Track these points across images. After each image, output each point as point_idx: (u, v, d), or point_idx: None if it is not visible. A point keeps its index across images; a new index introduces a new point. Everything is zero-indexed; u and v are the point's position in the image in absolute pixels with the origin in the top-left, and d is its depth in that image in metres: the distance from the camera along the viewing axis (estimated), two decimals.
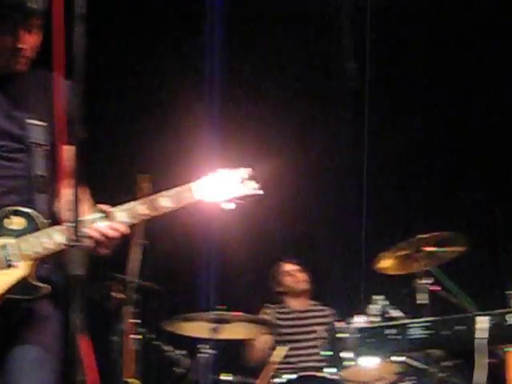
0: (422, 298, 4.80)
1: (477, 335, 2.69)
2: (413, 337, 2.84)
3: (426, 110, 6.64)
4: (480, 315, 2.73)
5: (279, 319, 5.97)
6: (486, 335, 2.66)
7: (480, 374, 2.73)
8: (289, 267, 6.12)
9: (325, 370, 4.85)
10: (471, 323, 2.73)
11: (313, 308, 6.11)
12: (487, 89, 6.47)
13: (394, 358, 4.65)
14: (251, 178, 3.19)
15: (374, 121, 6.45)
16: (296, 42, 6.71)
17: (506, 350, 4.57)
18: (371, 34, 5.30)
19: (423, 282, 4.82)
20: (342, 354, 4.75)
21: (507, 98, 6.40)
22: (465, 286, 5.38)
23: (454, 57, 6.52)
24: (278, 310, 6.03)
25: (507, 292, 4.95)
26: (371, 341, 2.94)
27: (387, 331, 2.91)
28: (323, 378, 4.83)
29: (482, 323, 2.68)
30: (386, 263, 5.00)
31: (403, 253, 4.92)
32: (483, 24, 6.37)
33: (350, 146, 6.60)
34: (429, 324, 2.82)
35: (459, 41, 6.48)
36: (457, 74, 6.51)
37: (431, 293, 4.85)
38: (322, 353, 4.98)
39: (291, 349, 5.75)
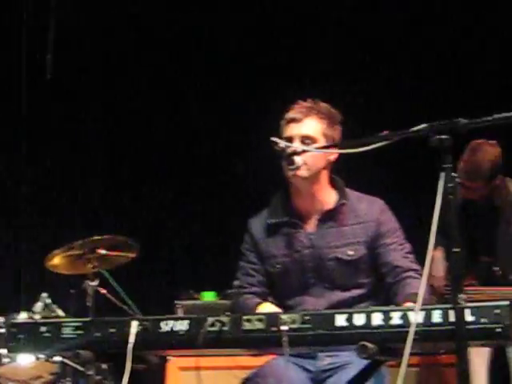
0: (90, 299, 4.82)
1: (130, 339, 2.71)
2: (65, 336, 2.80)
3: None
4: (134, 319, 2.75)
5: None
6: (133, 340, 2.69)
7: (127, 379, 2.75)
8: None
9: None
10: (125, 327, 2.74)
11: None
12: None
13: (51, 358, 4.62)
14: None
15: None
16: None
17: (168, 358, 4.70)
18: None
19: (92, 283, 4.83)
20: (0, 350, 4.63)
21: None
22: (135, 291, 5.46)
23: None
24: None
25: (176, 301, 5.11)
26: (25, 337, 2.85)
27: (42, 329, 2.83)
28: None
29: (133, 328, 2.71)
30: (58, 261, 4.93)
31: (76, 253, 4.87)
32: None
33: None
34: (81, 324, 2.80)
35: None
36: None
37: (99, 294, 4.88)
38: None
39: None
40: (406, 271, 3.25)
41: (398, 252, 3.30)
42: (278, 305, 3.29)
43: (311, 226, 3.36)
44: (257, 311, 3.19)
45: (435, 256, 4.45)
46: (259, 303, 3.28)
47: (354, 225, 3.33)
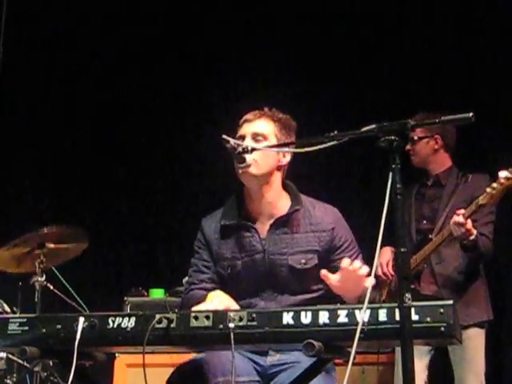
0: (37, 295, 4.78)
1: (76, 336, 2.69)
2: (12, 332, 2.77)
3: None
4: (81, 316, 2.74)
5: None
6: (80, 336, 2.67)
7: (73, 375, 2.73)
8: None
9: None
10: (72, 323, 2.73)
11: None
12: None
13: None
14: None
15: None
16: None
17: (116, 355, 4.68)
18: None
19: (40, 278, 4.79)
20: None
21: None
22: (84, 287, 5.42)
23: None
24: None
25: (125, 298, 5.10)
26: None
27: None
28: None
29: (80, 324, 2.69)
30: (2, 260, 4.86)
31: (22, 250, 4.80)
32: None
33: None
34: (27, 320, 2.77)
35: None
36: None
37: (47, 290, 4.85)
38: None
39: None
40: None
41: None
42: None
43: (264, 230, 3.35)
44: (206, 299, 3.16)
45: (385, 250, 4.54)
46: (208, 293, 3.25)
47: (308, 232, 3.32)
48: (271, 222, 3.34)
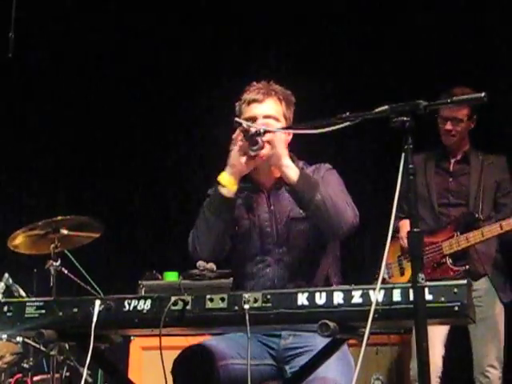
0: (52, 279, 4.82)
1: (93, 319, 2.72)
2: (29, 316, 2.80)
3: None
4: (97, 299, 2.76)
5: None
6: (96, 319, 2.69)
7: (89, 358, 2.76)
8: None
9: None
10: (88, 306, 2.75)
11: None
12: None
13: (13, 338, 4.62)
14: None
15: None
16: None
17: (132, 338, 4.72)
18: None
19: (55, 263, 4.82)
20: None
21: None
22: (99, 271, 5.45)
23: None
24: None
25: (140, 281, 5.12)
26: None
27: (5, 308, 2.83)
28: None
29: (96, 307, 2.71)
30: (20, 241, 4.91)
31: (38, 232, 4.86)
32: None
33: None
34: (44, 304, 2.80)
35: None
36: None
37: (62, 274, 4.88)
38: None
39: None
40: None
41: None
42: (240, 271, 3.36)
43: (268, 191, 3.43)
44: None
45: (405, 223, 4.55)
46: None
47: None
48: (273, 183, 3.41)
